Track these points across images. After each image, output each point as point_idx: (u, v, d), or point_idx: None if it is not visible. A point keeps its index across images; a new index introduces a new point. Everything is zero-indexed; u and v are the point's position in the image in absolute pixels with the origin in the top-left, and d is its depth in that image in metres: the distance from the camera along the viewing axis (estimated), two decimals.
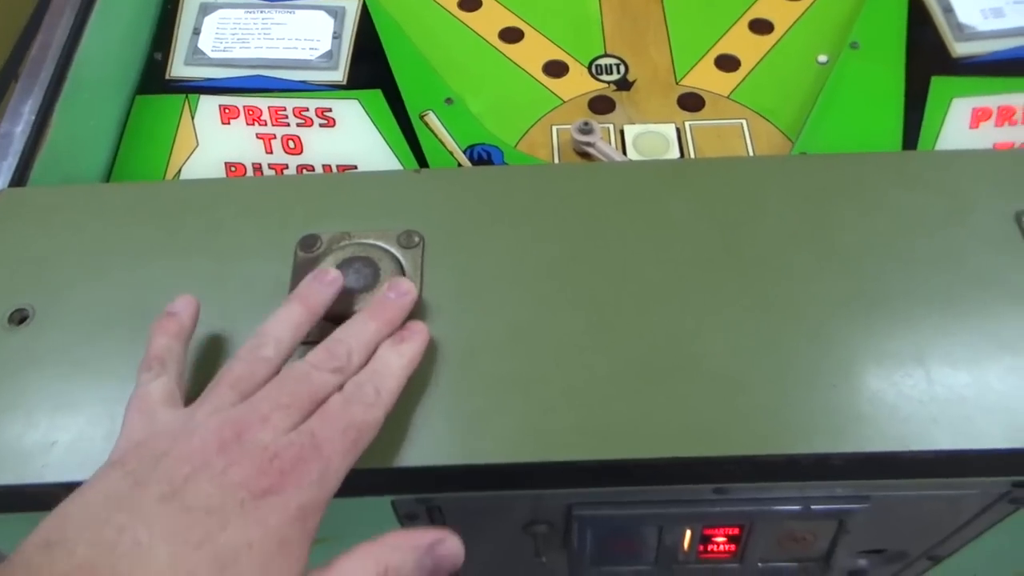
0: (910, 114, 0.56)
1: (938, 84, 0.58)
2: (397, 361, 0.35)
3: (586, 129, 0.58)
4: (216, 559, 0.27)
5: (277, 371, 0.34)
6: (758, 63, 0.64)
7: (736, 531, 0.44)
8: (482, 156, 0.57)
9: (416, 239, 0.40)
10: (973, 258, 0.40)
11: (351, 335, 0.35)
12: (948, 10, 0.62)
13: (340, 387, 0.33)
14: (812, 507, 0.41)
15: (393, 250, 0.39)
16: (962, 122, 0.56)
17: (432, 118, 0.58)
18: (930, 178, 0.44)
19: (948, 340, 0.38)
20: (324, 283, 0.37)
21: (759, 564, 0.46)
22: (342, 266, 0.38)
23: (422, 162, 0.56)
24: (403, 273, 0.38)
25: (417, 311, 0.38)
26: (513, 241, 0.41)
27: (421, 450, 0.35)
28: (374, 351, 0.36)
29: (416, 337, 0.36)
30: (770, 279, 0.40)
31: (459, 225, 0.42)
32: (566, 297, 0.39)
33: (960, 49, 0.60)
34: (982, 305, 0.39)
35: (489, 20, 0.68)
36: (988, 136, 0.55)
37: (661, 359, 0.37)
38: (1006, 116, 0.56)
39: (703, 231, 0.42)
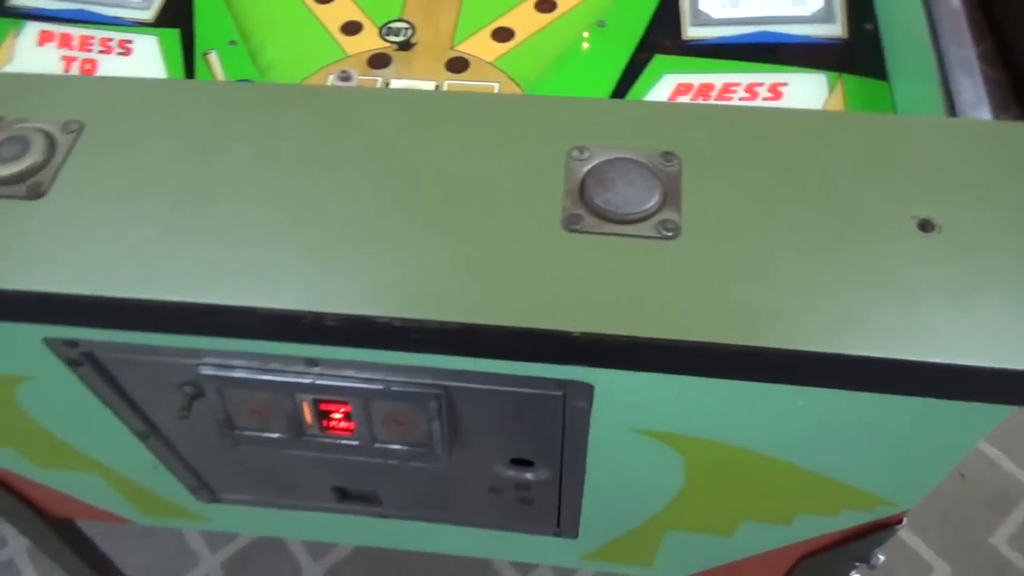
0: (623, 82, 0.63)
1: (658, 61, 0.64)
2: None
3: (344, 76, 0.66)
4: None
5: None
6: (529, 37, 0.71)
7: (347, 408, 0.51)
8: None
9: (74, 127, 0.48)
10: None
11: None
12: None
13: None
14: (392, 388, 0.48)
15: (54, 132, 0.48)
16: (663, 93, 0.62)
17: (213, 57, 0.67)
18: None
19: None
20: None
21: (375, 444, 0.53)
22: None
23: None
24: (53, 149, 0.47)
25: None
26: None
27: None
28: None
29: None
30: None
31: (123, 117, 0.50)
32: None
33: (691, 33, 0.66)
34: None
35: None
36: None
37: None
38: (702, 92, 0.61)
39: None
